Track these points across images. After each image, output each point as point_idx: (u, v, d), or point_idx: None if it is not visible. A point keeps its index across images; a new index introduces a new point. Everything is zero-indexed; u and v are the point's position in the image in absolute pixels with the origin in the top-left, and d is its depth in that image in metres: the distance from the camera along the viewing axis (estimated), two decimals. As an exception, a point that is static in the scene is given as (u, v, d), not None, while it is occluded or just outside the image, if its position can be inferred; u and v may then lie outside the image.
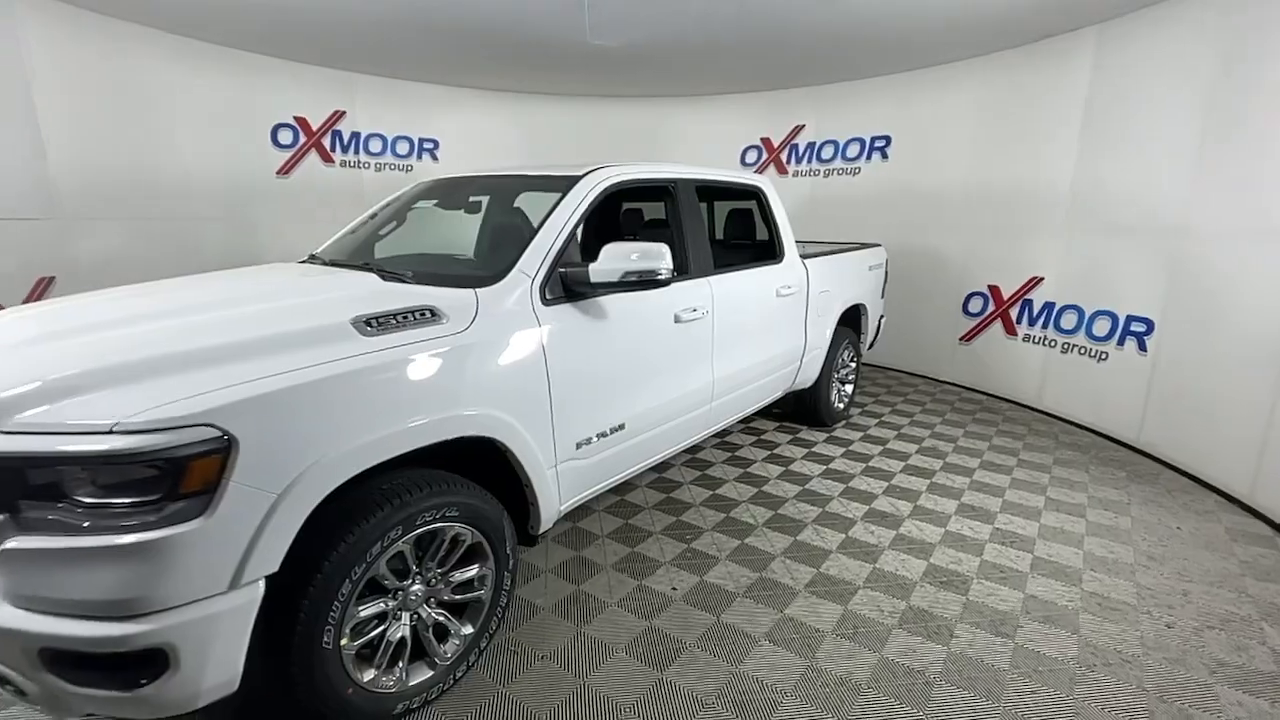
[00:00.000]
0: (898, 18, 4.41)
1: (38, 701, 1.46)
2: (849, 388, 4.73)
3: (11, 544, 1.36)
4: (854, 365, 4.75)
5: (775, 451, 4.09)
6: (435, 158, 6.69)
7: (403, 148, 6.50)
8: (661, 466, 3.77)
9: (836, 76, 6.13)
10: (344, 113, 6.05)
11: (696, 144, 6.97)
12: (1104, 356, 4.42)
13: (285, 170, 5.78)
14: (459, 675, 2.01)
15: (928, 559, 2.85)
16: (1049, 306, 4.87)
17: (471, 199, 3.06)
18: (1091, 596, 2.58)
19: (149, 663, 1.40)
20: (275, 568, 1.51)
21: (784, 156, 6.74)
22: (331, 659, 1.66)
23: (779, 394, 3.88)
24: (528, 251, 2.23)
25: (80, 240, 4.30)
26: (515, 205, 3.08)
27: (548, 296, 2.21)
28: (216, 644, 1.46)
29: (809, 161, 6.61)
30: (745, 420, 4.58)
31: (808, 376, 4.08)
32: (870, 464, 3.92)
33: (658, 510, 3.27)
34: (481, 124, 6.81)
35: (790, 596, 2.56)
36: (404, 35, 4.89)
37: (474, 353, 1.94)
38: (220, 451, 1.40)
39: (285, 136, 5.74)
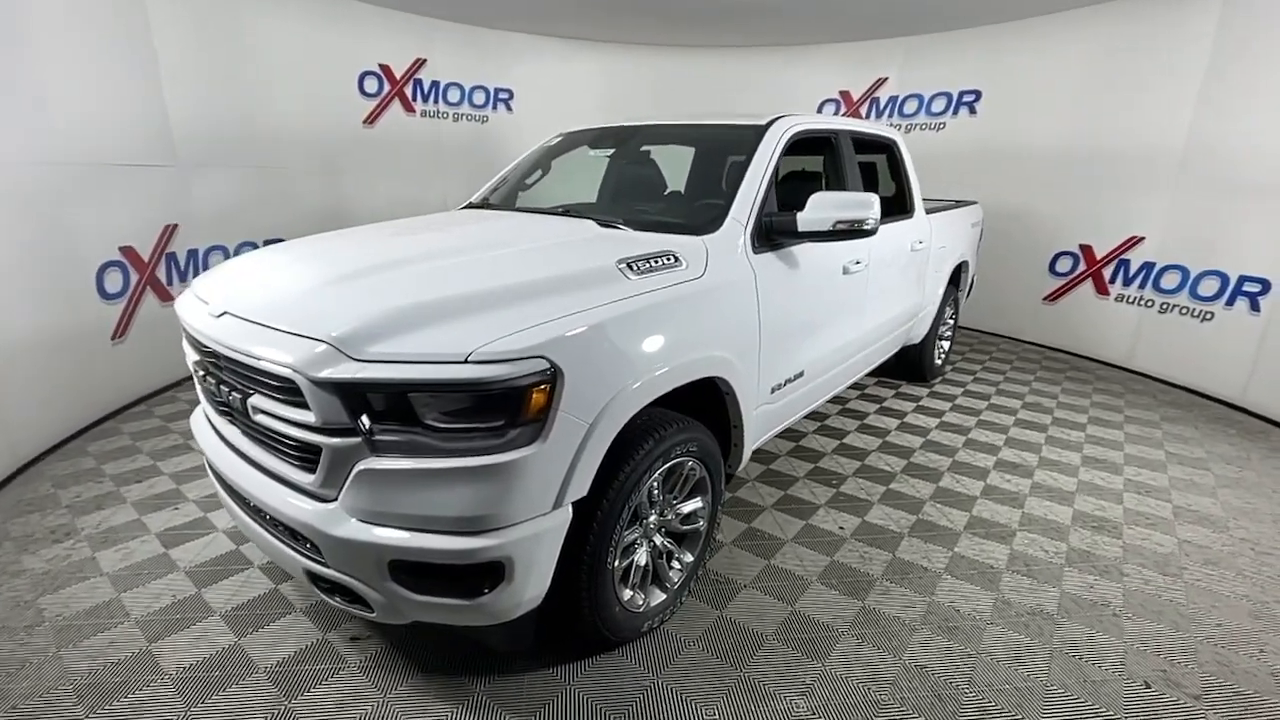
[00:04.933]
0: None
1: (378, 610, 1.60)
2: (946, 344, 4.80)
3: (365, 465, 1.48)
4: (952, 322, 4.80)
5: (884, 405, 4.19)
6: (510, 108, 6.62)
7: (479, 98, 6.43)
8: (781, 417, 3.88)
9: (924, 28, 5.98)
10: (424, 60, 5.98)
11: (772, 96, 6.85)
12: (1209, 316, 4.45)
13: (371, 120, 5.75)
14: (683, 600, 2.16)
15: (1071, 505, 2.97)
16: (1148, 266, 4.87)
17: (641, 146, 3.07)
18: (1243, 542, 2.70)
19: (490, 574, 1.53)
20: (585, 492, 1.62)
21: (864, 110, 6.63)
22: (609, 578, 1.79)
23: (898, 348, 3.95)
24: (737, 200, 2.28)
25: (196, 189, 4.34)
26: (651, 156, 3.12)
27: (756, 245, 2.27)
28: (539, 560, 1.58)
29: (890, 116, 6.50)
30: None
31: (920, 331, 4.14)
32: (981, 417, 4.02)
33: (793, 458, 3.38)
34: (556, 73, 6.71)
35: (954, 537, 2.69)
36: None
37: (712, 296, 2.01)
38: (549, 382, 1.49)
39: (371, 85, 5.69)
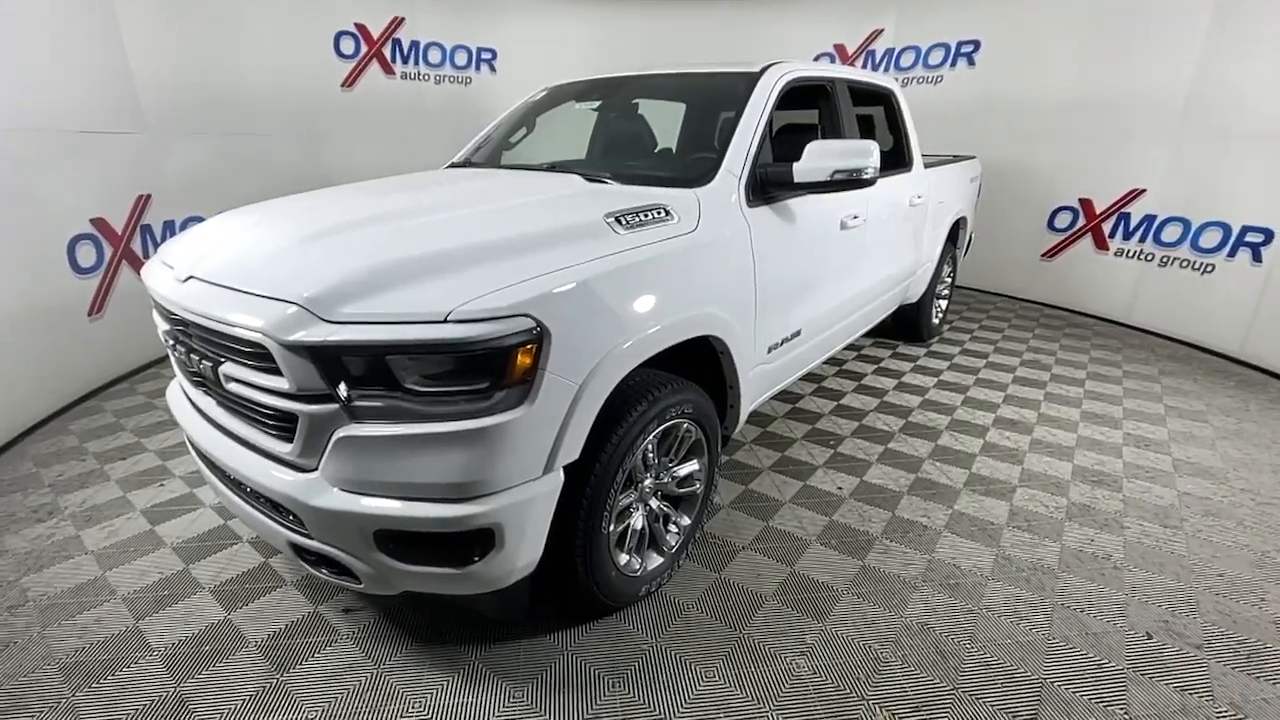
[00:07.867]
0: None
1: (366, 581, 1.55)
2: (944, 302, 4.73)
3: (344, 432, 1.41)
4: (950, 280, 4.73)
5: (881, 365, 4.14)
6: (493, 69, 6.38)
7: (461, 58, 6.19)
8: (778, 380, 3.82)
9: (923, -27, 5.75)
10: (403, 19, 5.73)
11: (765, 50, 6.56)
12: (1210, 269, 4.38)
13: (349, 82, 5.53)
14: (680, 563, 2.12)
15: (1071, 461, 2.94)
16: (1149, 219, 4.78)
17: (630, 99, 2.93)
18: (1243, 493, 2.69)
19: (480, 542, 1.48)
20: (576, 456, 1.56)
21: (860, 64, 6.42)
22: (604, 543, 1.75)
23: (895, 306, 3.88)
24: (730, 151, 2.18)
25: (168, 157, 4.17)
26: (639, 111, 3.00)
27: (750, 198, 2.17)
28: (530, 526, 1.53)
29: (887, 70, 6.30)
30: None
31: (918, 289, 4.06)
32: (979, 376, 3.98)
33: (790, 419, 3.34)
34: (540, 33, 6.44)
35: (953, 495, 2.66)
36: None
37: (705, 252, 1.93)
38: (535, 341, 1.41)
39: (347, 46, 5.46)
